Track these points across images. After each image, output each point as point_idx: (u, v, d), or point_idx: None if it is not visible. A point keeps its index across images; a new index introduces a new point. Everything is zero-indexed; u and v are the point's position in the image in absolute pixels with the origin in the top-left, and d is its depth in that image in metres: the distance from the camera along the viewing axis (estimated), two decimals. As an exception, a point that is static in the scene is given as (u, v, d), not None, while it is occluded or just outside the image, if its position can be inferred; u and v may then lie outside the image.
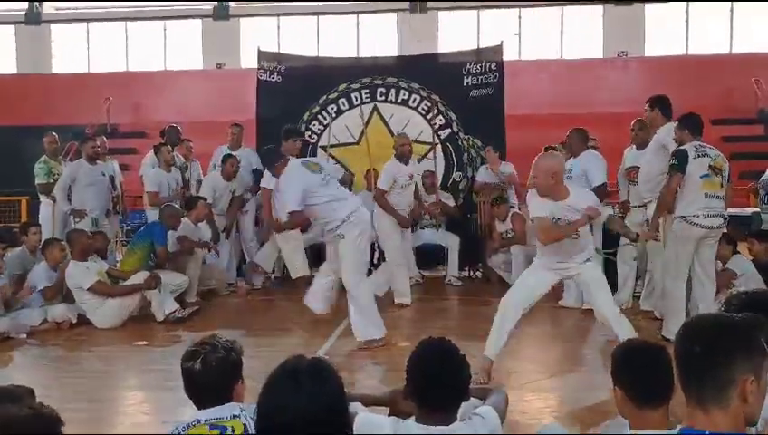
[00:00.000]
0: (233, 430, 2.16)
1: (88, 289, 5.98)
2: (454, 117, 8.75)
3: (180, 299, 6.52)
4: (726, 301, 2.56)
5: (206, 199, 7.32)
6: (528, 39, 17.15)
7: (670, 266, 5.30)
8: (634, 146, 6.45)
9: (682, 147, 5.25)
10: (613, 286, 6.56)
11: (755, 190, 7.37)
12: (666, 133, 5.61)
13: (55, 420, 1.76)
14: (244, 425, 2.17)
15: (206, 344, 2.30)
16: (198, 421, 2.20)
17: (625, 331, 4.26)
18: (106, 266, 6.45)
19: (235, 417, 2.19)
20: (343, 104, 8.84)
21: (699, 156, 5.16)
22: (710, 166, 5.19)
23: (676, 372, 1.75)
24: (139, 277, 6.18)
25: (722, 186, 5.23)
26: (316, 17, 17.77)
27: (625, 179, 6.61)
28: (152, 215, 7.58)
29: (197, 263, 7.02)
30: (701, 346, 1.66)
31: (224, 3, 17.81)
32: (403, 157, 6.93)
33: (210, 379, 2.24)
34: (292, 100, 8.74)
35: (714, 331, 1.70)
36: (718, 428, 1.62)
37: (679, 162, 5.13)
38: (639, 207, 6.16)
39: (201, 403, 2.26)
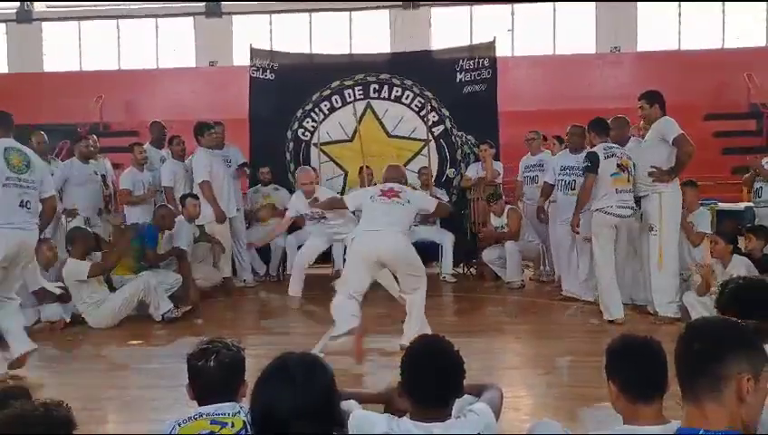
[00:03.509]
0: (233, 425, 2.19)
1: (87, 277, 5.95)
2: (447, 113, 8.75)
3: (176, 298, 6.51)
4: (722, 285, 2.58)
5: (196, 196, 7.30)
6: (521, 35, 17.16)
7: (598, 257, 5.97)
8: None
9: (593, 149, 6.04)
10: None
11: (751, 181, 7.37)
12: (663, 126, 5.78)
13: (67, 422, 1.76)
14: (244, 421, 2.19)
15: (216, 343, 2.35)
16: (200, 415, 2.23)
17: None
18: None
19: (235, 414, 2.22)
20: (336, 101, 8.83)
21: (608, 156, 5.90)
22: (618, 164, 5.90)
23: (676, 371, 1.75)
24: (135, 285, 6.20)
25: (629, 181, 5.92)
26: (308, 14, 17.72)
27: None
28: (131, 214, 7.59)
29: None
30: (699, 342, 1.68)
31: (216, 0, 17.74)
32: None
33: (221, 376, 2.28)
34: (285, 97, 8.73)
35: (714, 329, 1.73)
36: (711, 423, 1.62)
37: (592, 163, 5.89)
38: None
39: (205, 400, 2.29)
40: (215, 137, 7.61)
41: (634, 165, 6.01)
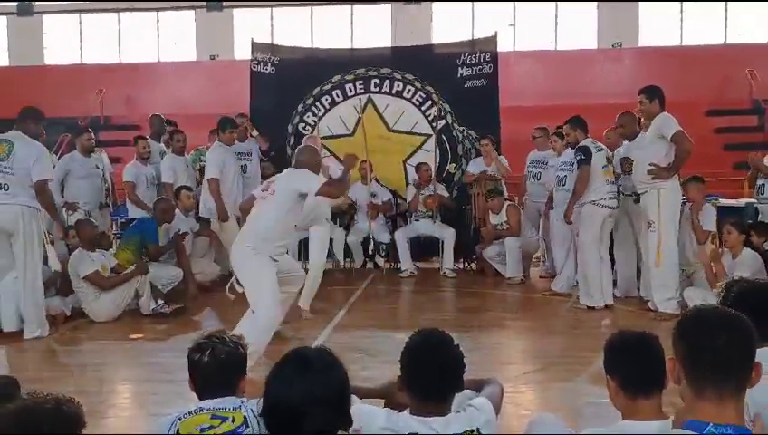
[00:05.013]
0: (233, 420, 2.20)
1: (84, 278, 5.95)
2: (448, 108, 8.74)
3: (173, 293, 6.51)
4: (727, 286, 2.58)
5: (190, 188, 7.30)
6: (522, 30, 17.11)
7: (584, 243, 6.20)
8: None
9: (583, 143, 6.25)
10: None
11: (753, 179, 7.37)
12: (662, 123, 5.77)
13: (76, 419, 1.76)
14: (245, 416, 2.20)
15: (214, 337, 2.36)
16: (201, 410, 2.24)
17: None
18: (114, 262, 6.33)
19: (236, 409, 2.23)
20: (337, 96, 8.83)
21: (598, 150, 6.23)
22: (606, 157, 6.26)
23: (678, 364, 1.74)
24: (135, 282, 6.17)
25: (614, 173, 6.29)
26: (310, 8, 17.68)
27: None
28: (134, 209, 7.60)
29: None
30: (725, 338, 1.65)
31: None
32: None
33: (218, 371, 2.29)
34: (286, 91, 8.73)
35: (733, 322, 1.70)
36: (723, 418, 1.61)
37: (586, 156, 6.14)
38: (631, 195, 6.27)
39: (205, 394, 2.30)
40: (233, 137, 7.54)
41: (632, 161, 6.09)
